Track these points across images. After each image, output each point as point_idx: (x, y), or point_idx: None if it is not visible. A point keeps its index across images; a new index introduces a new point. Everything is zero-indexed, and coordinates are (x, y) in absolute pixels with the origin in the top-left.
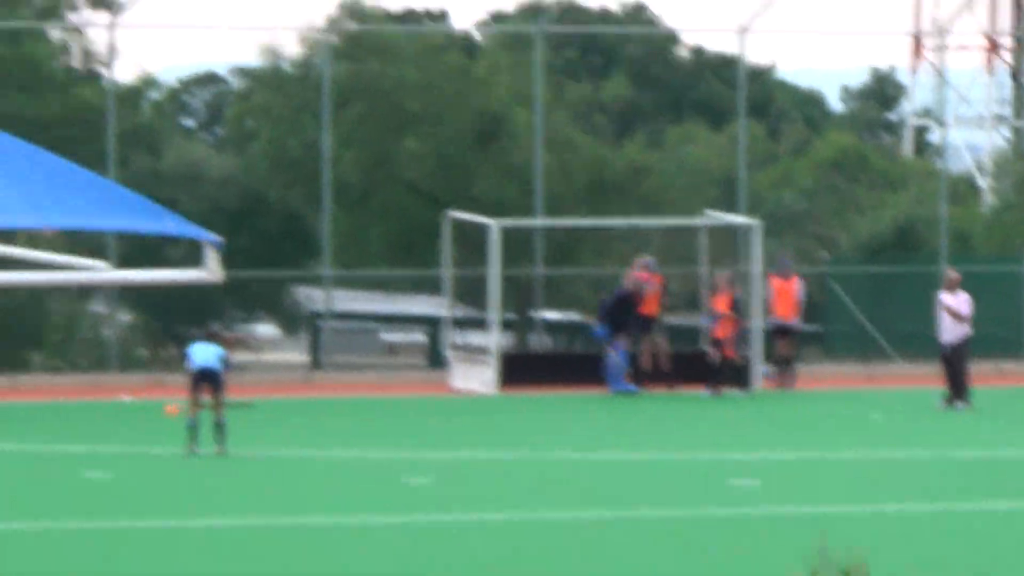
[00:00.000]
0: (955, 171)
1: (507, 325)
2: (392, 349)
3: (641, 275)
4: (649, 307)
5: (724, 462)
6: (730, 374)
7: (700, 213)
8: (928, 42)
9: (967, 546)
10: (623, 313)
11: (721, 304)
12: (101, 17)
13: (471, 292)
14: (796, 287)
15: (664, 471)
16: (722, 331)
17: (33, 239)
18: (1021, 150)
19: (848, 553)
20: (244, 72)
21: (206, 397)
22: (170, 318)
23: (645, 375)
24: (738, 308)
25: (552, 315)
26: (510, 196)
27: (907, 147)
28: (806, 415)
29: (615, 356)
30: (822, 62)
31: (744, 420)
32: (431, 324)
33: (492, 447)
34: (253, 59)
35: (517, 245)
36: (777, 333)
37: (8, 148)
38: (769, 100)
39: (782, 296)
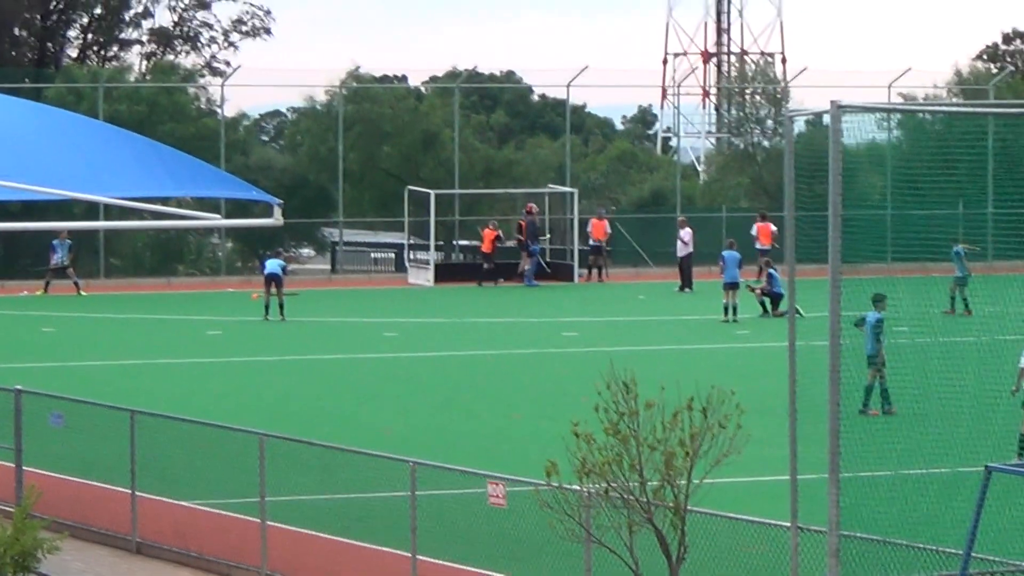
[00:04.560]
0: (684, 162)
1: (439, 248)
2: (376, 262)
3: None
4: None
5: (558, 323)
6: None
7: (545, 185)
8: (670, 90)
9: (694, 367)
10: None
11: (491, 235)
12: (216, 80)
13: (419, 230)
14: (606, 224)
15: (524, 328)
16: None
17: (179, 202)
18: (720, 150)
19: (626, 372)
20: (295, 109)
21: (273, 289)
22: (254, 245)
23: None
24: (499, 238)
25: (463, 242)
26: (441, 177)
27: (658, 149)
28: (602, 297)
29: (531, 263)
30: (612, 101)
31: (570, 299)
32: (398, 248)
33: (431, 315)
34: (300, 102)
35: (444, 204)
36: (594, 250)
37: (164, 152)
38: (583, 124)
39: (597, 228)
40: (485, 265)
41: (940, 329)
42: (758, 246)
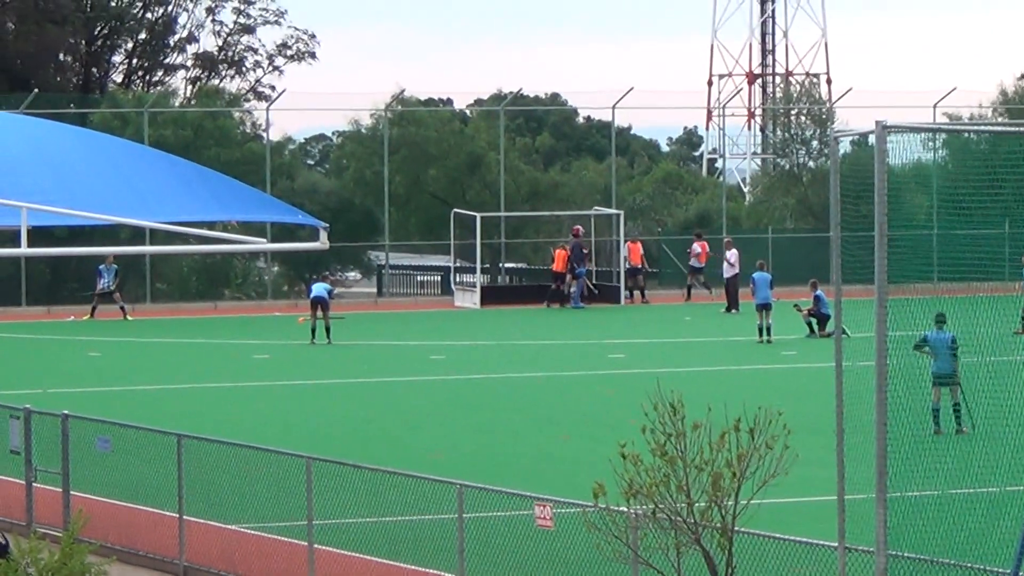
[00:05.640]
0: (730, 183)
1: (484, 271)
2: (422, 285)
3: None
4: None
5: (605, 344)
6: (561, 295)
7: (590, 208)
8: (716, 111)
9: (741, 388)
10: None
11: (564, 256)
12: (261, 104)
13: (465, 252)
14: (640, 247)
15: (571, 349)
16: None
17: (225, 226)
18: (766, 171)
19: (673, 393)
20: (340, 133)
21: (319, 313)
22: (300, 268)
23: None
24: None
25: (509, 265)
26: (486, 200)
27: (704, 170)
28: (648, 318)
29: (577, 285)
30: (657, 122)
31: (616, 321)
32: (443, 271)
33: (478, 338)
34: (345, 126)
35: (490, 227)
36: (632, 273)
37: (210, 177)
38: (628, 145)
39: (634, 252)
40: (554, 285)
41: (987, 348)
42: (694, 264)
